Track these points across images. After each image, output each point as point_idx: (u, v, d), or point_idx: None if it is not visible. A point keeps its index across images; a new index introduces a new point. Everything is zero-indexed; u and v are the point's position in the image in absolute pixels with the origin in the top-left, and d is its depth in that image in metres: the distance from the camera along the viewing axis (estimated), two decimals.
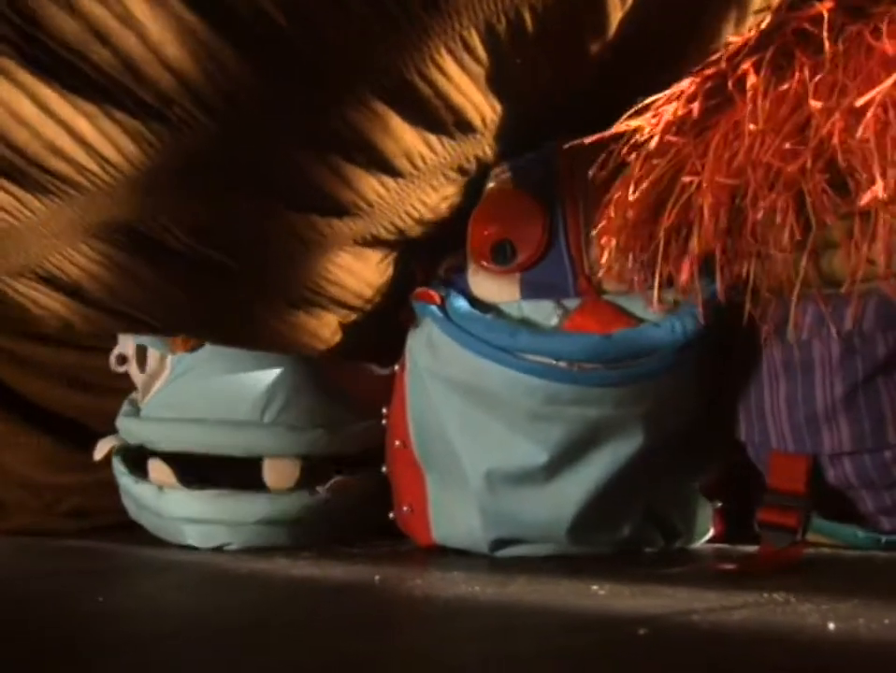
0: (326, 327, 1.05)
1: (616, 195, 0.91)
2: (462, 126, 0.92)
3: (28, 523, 1.27)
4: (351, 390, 1.18)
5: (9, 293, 0.95)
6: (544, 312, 0.97)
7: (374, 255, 1.02)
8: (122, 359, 1.20)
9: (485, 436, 0.98)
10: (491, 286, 1.01)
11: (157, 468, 1.14)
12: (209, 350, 1.15)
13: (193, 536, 1.13)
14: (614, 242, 0.93)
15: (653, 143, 0.87)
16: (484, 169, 1.00)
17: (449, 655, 0.64)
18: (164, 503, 1.13)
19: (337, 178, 0.91)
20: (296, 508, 1.12)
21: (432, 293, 1.02)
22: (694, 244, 0.88)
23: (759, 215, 0.84)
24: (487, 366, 0.96)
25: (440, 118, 0.89)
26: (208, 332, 1.04)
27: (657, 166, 0.87)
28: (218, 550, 1.12)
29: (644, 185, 0.87)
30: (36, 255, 0.91)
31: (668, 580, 0.84)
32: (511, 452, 0.97)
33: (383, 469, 1.11)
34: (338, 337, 1.07)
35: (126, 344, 1.20)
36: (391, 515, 1.11)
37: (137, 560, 1.08)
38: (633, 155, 0.88)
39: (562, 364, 0.93)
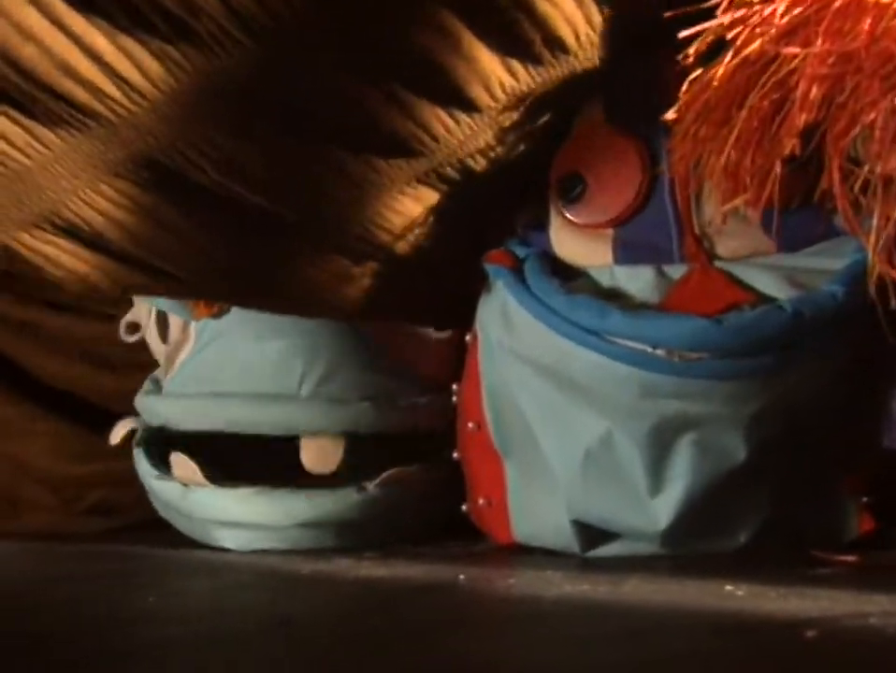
0: (379, 283, 0.99)
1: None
2: (551, 44, 0.86)
3: (45, 524, 1.21)
4: (404, 358, 1.09)
5: (22, 252, 0.91)
6: (642, 281, 0.91)
7: (434, 198, 0.96)
8: (134, 327, 1.13)
9: (570, 425, 0.92)
10: (578, 246, 0.95)
11: (181, 464, 1.07)
12: (237, 314, 1.07)
13: (225, 539, 1.05)
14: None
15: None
16: (575, 101, 0.94)
17: (587, 658, 0.63)
18: (190, 503, 1.06)
19: (398, 110, 0.87)
20: (341, 508, 1.03)
21: (506, 253, 0.96)
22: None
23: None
24: (572, 350, 0.90)
25: (524, 35, 0.84)
26: (240, 288, 0.98)
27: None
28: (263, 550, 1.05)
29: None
30: (53, 200, 0.87)
31: (818, 582, 0.81)
32: (601, 442, 0.91)
33: (455, 455, 1.03)
34: (391, 296, 1.01)
35: (140, 310, 1.14)
36: (464, 508, 1.03)
37: (183, 560, 1.03)
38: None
39: (660, 351, 0.87)
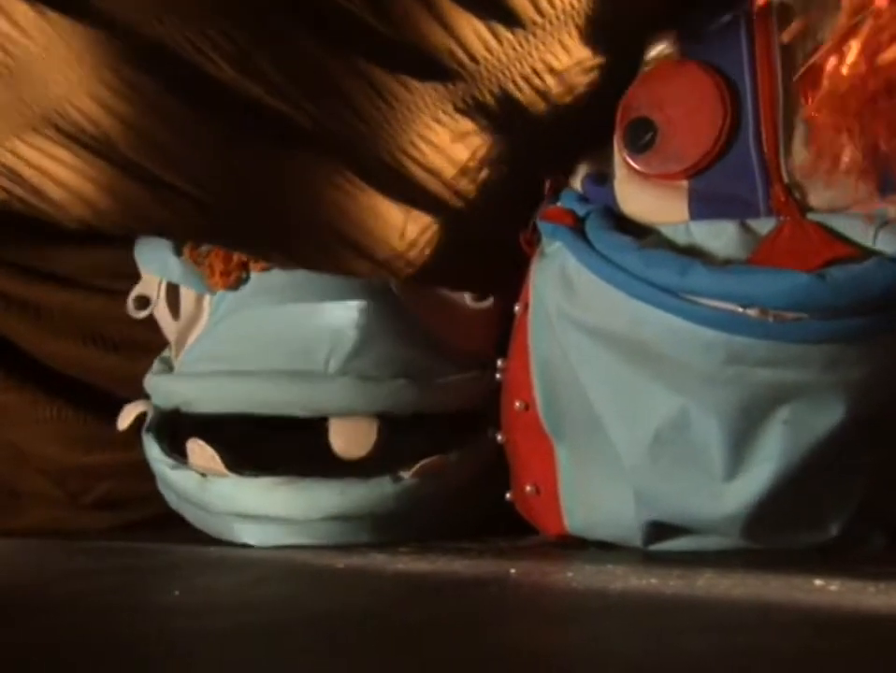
0: (411, 224, 0.94)
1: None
2: None
3: (49, 519, 1.17)
4: (441, 331, 1.03)
5: (24, 174, 0.87)
6: (724, 238, 0.85)
7: (480, 134, 0.91)
8: (143, 301, 1.08)
9: (641, 401, 0.88)
10: (647, 200, 0.89)
11: (198, 451, 1.01)
12: (255, 285, 1.02)
13: (247, 534, 1.01)
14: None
15: None
16: (643, 30, 0.90)
17: (667, 649, 0.61)
18: (209, 495, 1.01)
19: (433, 18, 0.84)
20: (375, 498, 0.99)
21: (565, 210, 0.91)
22: None
23: None
24: (646, 313, 0.85)
25: None
26: (259, 217, 0.93)
27: None
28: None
29: None
30: (57, 96, 0.84)
31: None
32: (674, 422, 0.86)
33: (499, 437, 0.99)
34: (425, 247, 0.95)
35: (149, 283, 1.09)
36: (508, 497, 0.99)
37: (204, 555, 0.99)
38: None
39: (752, 312, 0.81)
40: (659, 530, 0.90)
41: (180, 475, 1.02)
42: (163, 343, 1.11)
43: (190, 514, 1.05)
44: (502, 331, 0.99)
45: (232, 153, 0.89)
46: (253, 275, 1.02)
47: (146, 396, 1.08)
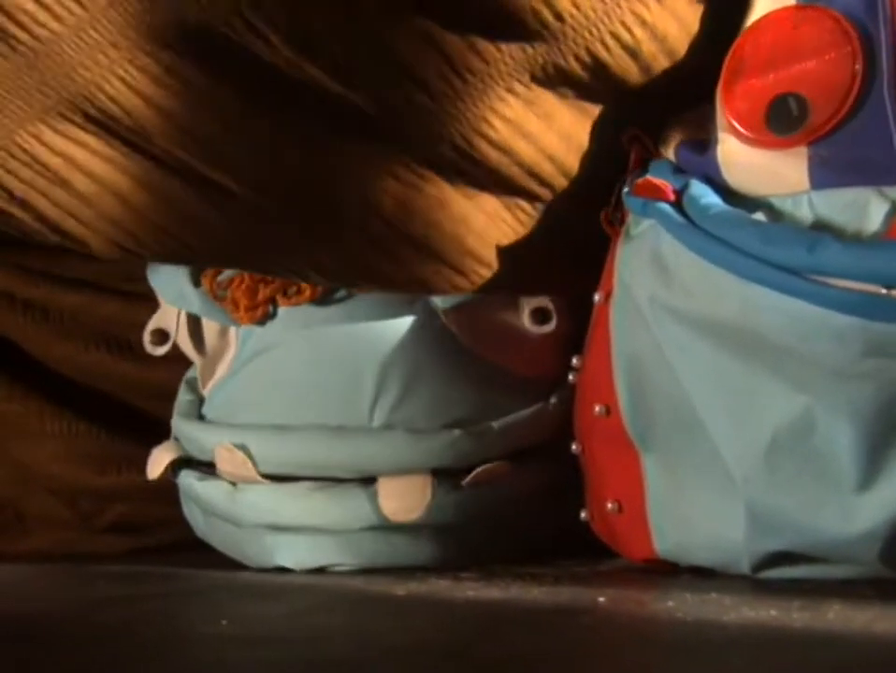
0: (483, 216, 0.90)
1: None
2: None
3: (58, 542, 1.13)
4: (499, 360, 0.98)
5: (50, 162, 0.85)
6: (854, 209, 0.80)
7: (560, 108, 0.88)
8: (163, 336, 1.04)
9: (754, 402, 0.82)
10: (759, 168, 0.83)
11: (228, 457, 0.97)
12: (285, 321, 0.98)
13: (281, 549, 0.96)
14: None
15: None
16: None
17: None
18: (239, 506, 0.96)
19: None
20: (427, 508, 0.96)
21: (660, 182, 0.85)
22: None
23: None
24: (763, 298, 0.80)
25: None
26: (305, 203, 0.89)
27: None
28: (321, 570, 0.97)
29: None
30: (86, 81, 0.82)
31: None
32: (796, 426, 0.81)
33: (573, 446, 0.94)
34: (499, 242, 0.91)
35: (167, 315, 1.04)
36: (583, 515, 0.94)
37: (242, 581, 0.95)
38: None
39: None
40: (773, 553, 0.84)
41: (207, 486, 0.98)
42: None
43: (218, 535, 1.01)
44: (569, 351, 0.95)
45: (282, 146, 0.86)
46: (281, 310, 0.98)
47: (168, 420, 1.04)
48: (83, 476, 1.12)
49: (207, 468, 1.00)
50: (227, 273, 0.97)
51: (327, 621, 0.79)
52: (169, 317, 1.04)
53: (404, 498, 0.95)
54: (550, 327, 0.97)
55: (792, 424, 0.81)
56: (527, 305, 0.98)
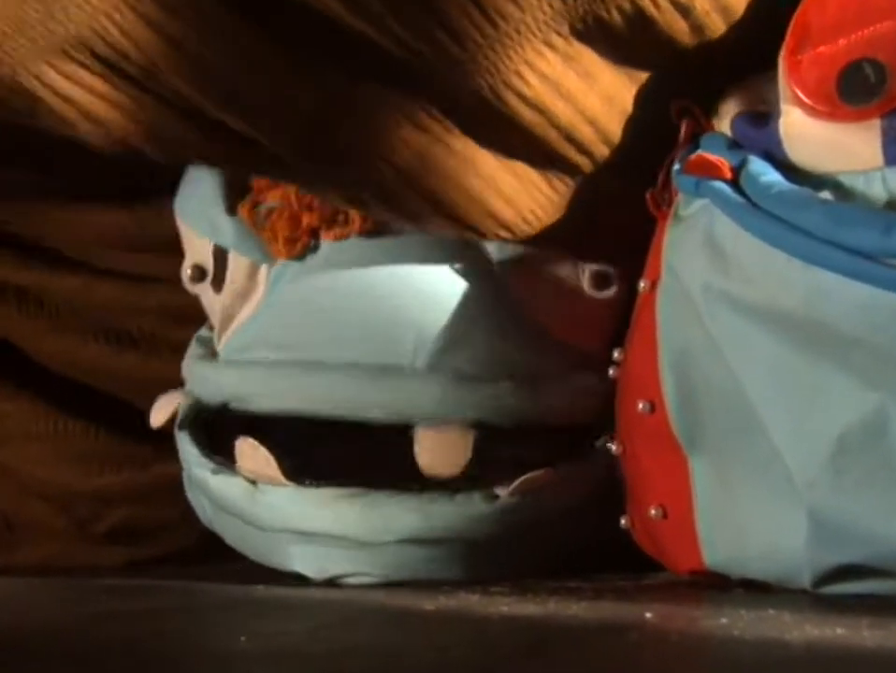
0: (512, 179, 0.86)
1: None
2: None
3: (52, 553, 1.09)
4: (553, 323, 0.94)
5: (51, 103, 0.83)
6: None
7: (602, 68, 0.83)
8: (201, 272, 0.98)
9: (820, 400, 0.78)
10: (827, 142, 0.78)
11: (250, 453, 0.91)
12: (327, 254, 0.93)
13: (303, 557, 0.91)
14: None
15: None
16: None
17: None
18: (259, 507, 0.91)
19: None
20: (464, 520, 0.89)
21: (716, 159, 0.80)
22: None
23: None
24: (832, 284, 0.76)
25: None
26: (318, 149, 0.85)
27: None
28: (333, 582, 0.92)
29: None
30: (96, 9, 0.80)
31: None
32: (867, 425, 0.77)
33: (613, 447, 0.89)
34: (530, 210, 0.87)
35: (203, 249, 0.99)
36: (623, 522, 0.89)
37: (262, 596, 0.90)
38: None
39: None
40: (839, 566, 0.79)
41: (223, 481, 0.93)
42: (186, 338, 1.01)
43: (230, 530, 0.95)
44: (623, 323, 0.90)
45: (299, 86, 0.82)
46: (324, 243, 0.93)
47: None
48: (79, 478, 1.09)
49: (223, 459, 0.95)
50: (269, 203, 0.94)
51: (352, 636, 0.75)
52: (205, 250, 1.00)
53: (443, 451, 0.91)
54: (610, 293, 0.93)
55: (862, 424, 0.75)
56: (588, 267, 0.95)
